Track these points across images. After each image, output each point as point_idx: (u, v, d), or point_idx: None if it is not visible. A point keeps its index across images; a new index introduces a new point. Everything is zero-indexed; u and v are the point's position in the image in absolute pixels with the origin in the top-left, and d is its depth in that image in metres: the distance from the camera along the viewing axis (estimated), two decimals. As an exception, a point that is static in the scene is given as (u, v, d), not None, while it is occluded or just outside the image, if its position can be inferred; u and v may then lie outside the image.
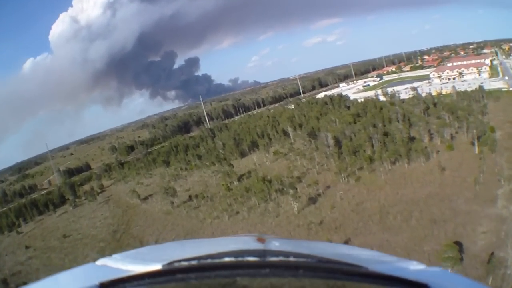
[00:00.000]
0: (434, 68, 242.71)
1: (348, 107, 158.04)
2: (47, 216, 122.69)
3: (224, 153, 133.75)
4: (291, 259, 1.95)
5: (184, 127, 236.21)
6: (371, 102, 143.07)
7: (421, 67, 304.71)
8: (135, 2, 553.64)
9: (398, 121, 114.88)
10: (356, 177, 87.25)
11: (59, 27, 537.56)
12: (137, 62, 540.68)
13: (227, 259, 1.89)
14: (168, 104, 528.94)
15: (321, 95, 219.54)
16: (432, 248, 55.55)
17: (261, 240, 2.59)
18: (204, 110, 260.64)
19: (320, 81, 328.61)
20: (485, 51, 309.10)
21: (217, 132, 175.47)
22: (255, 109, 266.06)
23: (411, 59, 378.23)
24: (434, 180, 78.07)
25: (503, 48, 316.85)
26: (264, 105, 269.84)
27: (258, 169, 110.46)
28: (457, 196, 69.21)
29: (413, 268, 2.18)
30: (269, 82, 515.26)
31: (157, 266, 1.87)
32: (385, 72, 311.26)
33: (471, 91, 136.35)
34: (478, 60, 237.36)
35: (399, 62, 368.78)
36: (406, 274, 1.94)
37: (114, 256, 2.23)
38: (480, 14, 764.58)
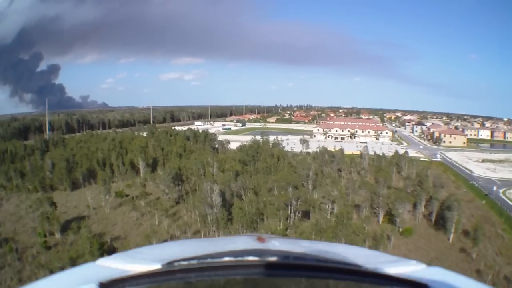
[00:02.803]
0: (318, 124, 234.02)
1: (214, 148, 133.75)
2: None
3: (52, 178, 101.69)
4: (291, 259, 1.97)
5: (24, 132, 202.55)
6: (256, 148, 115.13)
7: (290, 121, 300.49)
8: None
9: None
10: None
11: None
12: (10, 56, 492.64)
13: (226, 259, 1.89)
14: (23, 107, 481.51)
15: (177, 127, 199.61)
16: None
17: (261, 240, 2.62)
18: (47, 119, 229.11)
19: (172, 115, 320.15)
20: (362, 116, 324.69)
21: (52, 147, 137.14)
22: (99, 129, 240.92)
23: (273, 112, 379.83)
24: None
25: (386, 116, 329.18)
26: (110, 127, 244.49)
27: (93, 218, 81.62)
28: None
29: (413, 268, 2.19)
30: (117, 106, 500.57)
31: (157, 266, 1.88)
32: (246, 119, 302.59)
33: (391, 156, 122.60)
34: (374, 124, 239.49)
35: (258, 112, 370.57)
36: (406, 274, 1.98)
37: (114, 255, 2.26)
38: (356, 81, 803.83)
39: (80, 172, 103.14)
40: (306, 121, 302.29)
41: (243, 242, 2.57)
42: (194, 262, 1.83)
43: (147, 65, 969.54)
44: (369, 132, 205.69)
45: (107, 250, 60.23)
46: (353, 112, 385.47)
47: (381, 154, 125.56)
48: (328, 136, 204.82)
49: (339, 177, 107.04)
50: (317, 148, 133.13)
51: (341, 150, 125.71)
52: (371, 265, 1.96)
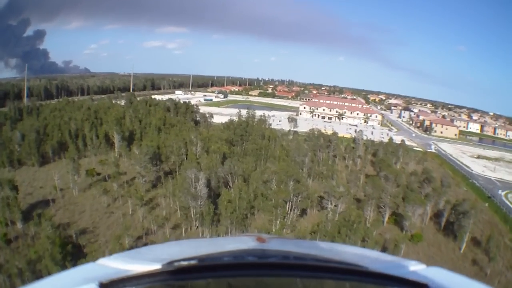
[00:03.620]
0: (304, 102, 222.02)
1: (196, 122, 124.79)
2: None
3: (21, 151, 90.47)
4: (291, 259, 1.98)
5: (3, 99, 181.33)
6: (245, 126, 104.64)
7: (273, 95, 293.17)
8: None
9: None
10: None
11: None
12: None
13: (226, 259, 1.90)
14: (7, 72, 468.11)
15: (156, 97, 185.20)
16: None
17: (261, 240, 2.61)
18: (25, 85, 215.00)
19: (152, 83, 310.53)
20: (346, 96, 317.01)
21: (25, 116, 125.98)
22: (78, 95, 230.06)
23: (254, 84, 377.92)
24: None
25: (370, 98, 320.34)
26: (89, 94, 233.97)
27: (59, 202, 70.17)
28: None
29: (413, 268, 2.23)
30: (99, 72, 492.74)
31: (157, 266, 1.88)
32: (228, 91, 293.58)
33: (386, 143, 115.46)
34: (362, 105, 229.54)
35: (240, 85, 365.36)
36: (406, 274, 1.98)
37: (114, 255, 2.26)
38: (340, 61, 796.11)
39: (50, 145, 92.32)
40: (290, 96, 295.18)
41: (243, 242, 2.57)
42: (194, 262, 1.83)
43: (131, 32, 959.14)
44: (357, 114, 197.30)
45: (71, 252, 49.82)
46: (335, 91, 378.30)
47: (374, 140, 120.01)
48: (315, 114, 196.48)
49: (335, 165, 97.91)
50: (307, 129, 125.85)
51: (335, 134, 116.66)
52: (371, 265, 1.97)
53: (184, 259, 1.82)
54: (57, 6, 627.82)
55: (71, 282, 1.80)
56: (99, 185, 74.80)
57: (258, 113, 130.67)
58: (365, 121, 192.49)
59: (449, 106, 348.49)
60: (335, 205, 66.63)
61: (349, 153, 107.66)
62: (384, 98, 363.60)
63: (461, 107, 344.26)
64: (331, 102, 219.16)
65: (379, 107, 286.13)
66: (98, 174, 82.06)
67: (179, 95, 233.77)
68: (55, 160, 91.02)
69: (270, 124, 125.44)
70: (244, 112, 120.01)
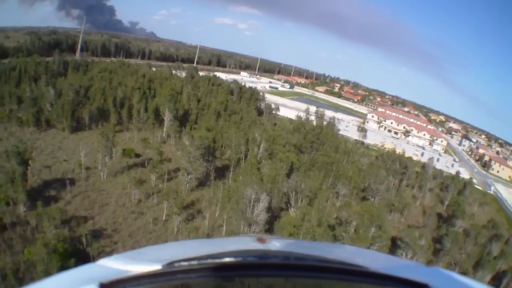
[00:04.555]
0: (373, 110, 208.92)
1: (260, 112, 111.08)
2: None
3: (52, 112, 76.45)
4: (291, 259, 1.96)
5: (54, 48, 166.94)
6: (318, 132, 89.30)
7: (339, 95, 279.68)
8: None
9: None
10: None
11: None
12: None
13: (227, 259, 1.88)
14: (68, 22, 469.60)
15: (221, 74, 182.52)
16: None
17: (261, 240, 2.57)
18: (80, 37, 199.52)
19: (218, 59, 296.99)
20: (406, 109, 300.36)
21: (70, 71, 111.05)
22: (138, 58, 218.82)
23: (320, 80, 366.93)
24: None
25: (432, 117, 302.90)
26: (150, 59, 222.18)
27: (79, 186, 55.23)
28: None
29: (413, 268, 2.24)
30: (165, 38, 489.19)
31: (157, 266, 1.87)
32: (294, 81, 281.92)
33: (453, 177, 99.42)
34: (428, 125, 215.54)
35: (306, 77, 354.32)
36: (406, 274, 1.96)
37: (115, 256, 2.24)
38: (403, 71, 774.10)
39: (89, 110, 77.26)
40: (355, 100, 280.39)
41: (243, 242, 2.56)
42: (195, 262, 1.83)
43: (204, 5, 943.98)
44: (424, 134, 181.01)
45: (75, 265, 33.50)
46: (398, 102, 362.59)
47: (440, 169, 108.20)
48: (382, 126, 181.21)
49: (406, 195, 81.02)
50: (375, 141, 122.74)
51: (409, 159, 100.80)
52: (371, 266, 1.97)
53: (184, 260, 1.83)
54: None
55: (71, 283, 1.82)
56: (134, 171, 61.11)
57: (326, 113, 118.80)
58: (429, 143, 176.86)
59: (500, 141, 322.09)
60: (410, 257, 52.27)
61: (419, 182, 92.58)
62: (444, 120, 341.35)
63: (510, 145, 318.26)
64: (398, 115, 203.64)
65: (440, 129, 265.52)
66: (137, 155, 68.35)
67: (244, 77, 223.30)
68: (91, 128, 77.55)
69: (339, 130, 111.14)
70: (312, 109, 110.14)
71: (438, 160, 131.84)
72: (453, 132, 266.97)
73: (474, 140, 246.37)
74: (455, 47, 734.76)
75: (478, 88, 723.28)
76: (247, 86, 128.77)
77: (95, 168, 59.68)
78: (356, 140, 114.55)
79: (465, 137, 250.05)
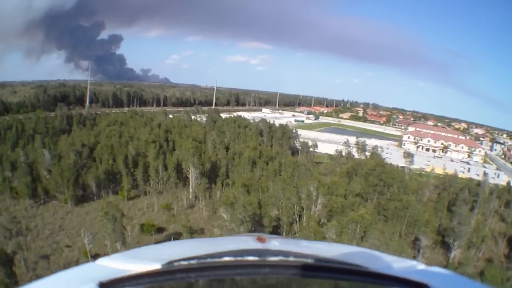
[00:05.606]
0: (409, 130, 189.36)
1: (294, 151, 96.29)
2: None
3: (50, 180, 61.46)
4: (291, 258, 1.93)
5: (62, 100, 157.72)
6: (380, 172, 69.47)
7: (364, 119, 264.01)
8: None
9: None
10: None
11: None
12: (68, 22, 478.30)
13: (226, 258, 1.87)
14: (77, 74, 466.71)
15: (242, 113, 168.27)
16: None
17: (261, 239, 2.58)
18: (88, 88, 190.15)
19: (237, 98, 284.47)
20: (430, 123, 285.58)
21: (75, 126, 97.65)
22: (153, 105, 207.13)
23: (341, 106, 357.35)
24: None
25: (454, 126, 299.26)
26: (166, 105, 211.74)
27: None
28: None
29: (413, 268, 2.21)
30: (179, 83, 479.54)
31: (157, 266, 1.85)
32: (317, 111, 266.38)
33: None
34: (464, 137, 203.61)
35: (327, 106, 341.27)
36: (406, 274, 1.94)
37: (114, 255, 2.23)
38: (420, 86, 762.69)
39: (95, 175, 61.74)
40: (381, 122, 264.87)
41: (243, 242, 2.55)
42: (194, 262, 1.81)
43: (214, 45, 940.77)
44: (462, 147, 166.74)
45: None
46: (418, 117, 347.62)
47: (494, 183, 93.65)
48: (419, 146, 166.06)
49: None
50: (421, 165, 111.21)
51: (479, 183, 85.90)
52: (371, 265, 1.96)
53: (183, 259, 1.81)
54: (135, 12, 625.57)
55: (71, 282, 1.81)
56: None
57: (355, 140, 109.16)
58: (468, 156, 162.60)
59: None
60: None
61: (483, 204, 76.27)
62: (466, 127, 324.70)
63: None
64: (434, 132, 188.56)
65: (467, 137, 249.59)
66: (160, 230, 53.06)
67: (267, 114, 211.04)
68: (100, 197, 62.29)
69: (384, 159, 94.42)
70: (351, 140, 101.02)
71: (498, 176, 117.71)
72: (480, 138, 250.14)
73: (501, 141, 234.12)
74: (463, 51, 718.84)
75: (493, 88, 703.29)
76: (276, 123, 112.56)
77: (107, 255, 43.62)
78: (402, 167, 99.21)
79: (494, 140, 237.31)
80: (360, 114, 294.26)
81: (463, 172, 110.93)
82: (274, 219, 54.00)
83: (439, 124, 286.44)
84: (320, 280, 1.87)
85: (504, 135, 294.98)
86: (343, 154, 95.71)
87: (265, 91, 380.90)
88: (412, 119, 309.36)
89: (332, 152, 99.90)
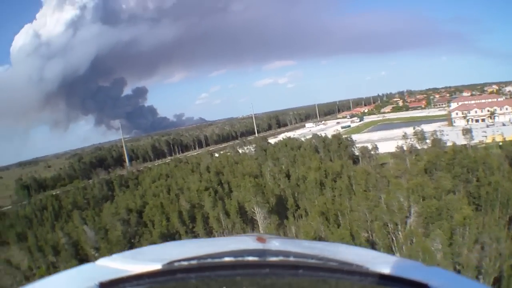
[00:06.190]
0: (454, 107, 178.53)
1: (354, 159, 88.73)
2: None
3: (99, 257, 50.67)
4: (291, 259, 1.84)
5: (100, 165, 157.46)
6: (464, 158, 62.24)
7: (406, 108, 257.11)
8: (96, 24, 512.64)
9: None
10: None
11: (22, 39, 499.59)
12: (87, 85, 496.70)
13: (227, 258, 1.79)
14: (111, 134, 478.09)
15: (288, 134, 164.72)
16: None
17: (261, 239, 2.34)
18: (124, 147, 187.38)
19: (277, 120, 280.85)
20: (465, 94, 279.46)
21: (117, 190, 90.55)
22: (195, 148, 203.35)
23: (378, 102, 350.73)
24: None
25: (488, 90, 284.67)
26: (208, 144, 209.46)
27: None
28: None
29: (413, 268, 2.04)
30: (216, 120, 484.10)
31: (157, 266, 1.75)
32: (359, 113, 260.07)
33: None
34: (501, 99, 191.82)
35: (365, 104, 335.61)
36: (406, 274, 1.83)
37: (114, 256, 2.06)
38: (444, 61, 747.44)
39: (149, 241, 53.39)
40: (423, 105, 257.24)
41: (243, 242, 2.35)
42: (194, 262, 1.74)
43: (240, 74, 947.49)
44: (507, 108, 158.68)
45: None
46: (451, 92, 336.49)
47: None
48: (469, 119, 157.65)
49: None
50: (482, 137, 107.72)
51: None
52: (371, 265, 1.82)
53: (184, 259, 1.73)
54: (153, 61, 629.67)
55: (71, 282, 1.75)
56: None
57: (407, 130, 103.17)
58: None
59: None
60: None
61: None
62: (497, 88, 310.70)
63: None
64: (479, 101, 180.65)
65: (504, 98, 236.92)
66: None
67: (311, 128, 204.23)
68: None
69: (445, 142, 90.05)
70: (407, 131, 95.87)
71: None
72: None
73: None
74: (473, 15, 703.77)
75: (509, 43, 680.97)
76: (328, 135, 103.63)
77: None
78: (464, 145, 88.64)
79: None
80: (400, 104, 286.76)
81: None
82: (370, 245, 44.96)
83: (474, 93, 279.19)
84: (320, 280, 1.73)
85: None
86: (405, 148, 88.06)
87: (301, 106, 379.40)
88: (448, 95, 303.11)
89: (392, 150, 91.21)
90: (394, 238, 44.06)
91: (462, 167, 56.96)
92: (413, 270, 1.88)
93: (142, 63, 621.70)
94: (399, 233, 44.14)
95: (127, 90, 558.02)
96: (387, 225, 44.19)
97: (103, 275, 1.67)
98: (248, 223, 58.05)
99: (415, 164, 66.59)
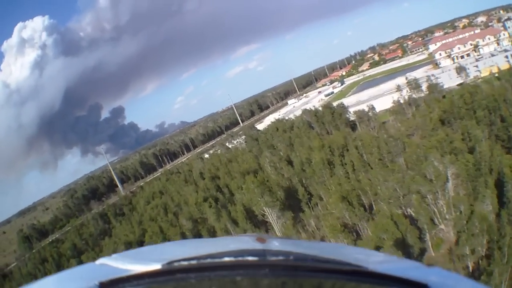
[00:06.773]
0: (436, 48, 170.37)
1: (353, 125, 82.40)
2: None
3: None
4: (291, 259, 1.86)
5: (93, 197, 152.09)
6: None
7: (384, 61, 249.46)
8: (59, 58, 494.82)
9: None
10: None
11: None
12: (65, 120, 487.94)
13: (227, 259, 1.80)
14: (100, 160, 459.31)
15: (273, 116, 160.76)
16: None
17: (261, 240, 2.32)
18: (112, 171, 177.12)
19: (258, 104, 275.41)
20: (437, 34, 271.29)
21: (113, 221, 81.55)
22: (183, 154, 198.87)
23: (353, 62, 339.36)
24: None
25: (460, 25, 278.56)
26: (195, 146, 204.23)
27: None
28: None
29: (413, 268, 2.07)
30: (197, 120, 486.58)
31: (157, 266, 1.76)
32: (337, 77, 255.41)
33: None
34: (477, 30, 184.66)
35: (340, 68, 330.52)
36: (406, 274, 1.85)
37: (114, 255, 2.09)
38: (405, 7, 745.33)
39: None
40: (400, 55, 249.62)
41: (243, 242, 2.32)
42: (194, 262, 1.75)
43: (210, 69, 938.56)
44: (489, 38, 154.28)
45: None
46: (422, 35, 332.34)
47: None
48: (453, 57, 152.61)
49: None
50: (475, 72, 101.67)
51: None
52: (371, 265, 1.87)
53: (184, 259, 1.73)
54: (121, 79, 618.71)
55: (71, 282, 1.79)
56: None
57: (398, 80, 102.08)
58: (497, 44, 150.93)
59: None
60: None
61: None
62: (468, 21, 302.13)
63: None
64: (460, 37, 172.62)
65: (479, 30, 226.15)
66: None
67: (294, 104, 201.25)
68: None
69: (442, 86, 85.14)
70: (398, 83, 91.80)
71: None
72: (489, 24, 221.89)
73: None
74: None
75: None
76: (317, 108, 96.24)
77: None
78: (460, 84, 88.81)
79: (503, 20, 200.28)
80: (376, 58, 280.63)
81: (508, 62, 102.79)
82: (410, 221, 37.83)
83: (446, 31, 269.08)
84: (320, 280, 1.76)
85: (501, 11, 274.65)
86: (402, 101, 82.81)
87: (278, 85, 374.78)
88: (420, 39, 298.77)
89: (387, 106, 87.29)
90: (435, 210, 37.06)
91: (483, 109, 50.10)
92: (413, 270, 1.89)
93: (113, 83, 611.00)
94: (439, 202, 37.06)
95: (105, 113, 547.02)
96: (426, 197, 37.05)
97: (103, 274, 1.67)
98: (260, 227, 51.19)
99: (426, 117, 58.95)
